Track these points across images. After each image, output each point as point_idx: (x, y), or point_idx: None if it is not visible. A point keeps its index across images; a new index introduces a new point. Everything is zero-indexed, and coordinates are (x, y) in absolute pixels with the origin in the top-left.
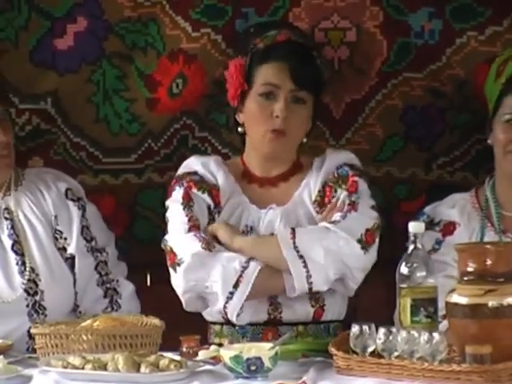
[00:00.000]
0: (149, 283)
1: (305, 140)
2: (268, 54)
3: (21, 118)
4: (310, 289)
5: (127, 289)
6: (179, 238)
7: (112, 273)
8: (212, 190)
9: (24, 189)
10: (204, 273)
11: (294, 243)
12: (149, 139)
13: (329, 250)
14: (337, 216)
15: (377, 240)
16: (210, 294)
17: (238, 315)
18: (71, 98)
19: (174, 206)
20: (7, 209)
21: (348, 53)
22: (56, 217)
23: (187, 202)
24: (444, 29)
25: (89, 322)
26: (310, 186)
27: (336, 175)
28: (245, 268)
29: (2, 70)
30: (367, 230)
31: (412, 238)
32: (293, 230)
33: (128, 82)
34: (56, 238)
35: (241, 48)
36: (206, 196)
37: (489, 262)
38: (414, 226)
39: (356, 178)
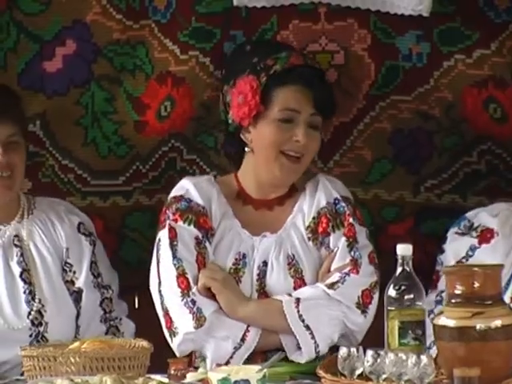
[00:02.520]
0: (137, 305)
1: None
2: (287, 78)
3: None
4: (317, 354)
5: (128, 328)
6: (173, 304)
7: (115, 311)
8: (199, 218)
9: (35, 218)
10: (198, 347)
11: (299, 312)
12: (137, 162)
13: (333, 318)
14: (336, 277)
15: (375, 297)
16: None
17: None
18: (59, 120)
19: (163, 247)
20: (17, 236)
21: (336, 76)
22: (67, 249)
23: (173, 241)
24: (432, 52)
25: (77, 344)
26: (303, 212)
27: (333, 210)
28: (237, 349)
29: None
30: (363, 291)
31: (400, 261)
32: (297, 299)
33: (116, 105)
34: (65, 271)
35: (239, 66)
36: (191, 228)
37: (476, 285)
38: (402, 249)
39: (351, 220)
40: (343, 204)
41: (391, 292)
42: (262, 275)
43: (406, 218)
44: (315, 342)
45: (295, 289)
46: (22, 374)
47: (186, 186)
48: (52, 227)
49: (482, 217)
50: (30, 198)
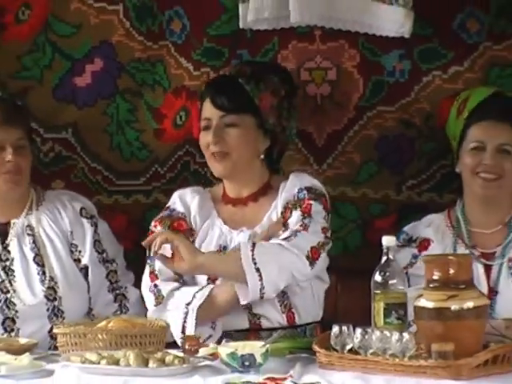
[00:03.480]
0: None
1: (262, 156)
2: (205, 94)
3: (45, 146)
4: (262, 297)
5: (134, 295)
6: (144, 291)
7: (121, 281)
8: (174, 222)
9: (44, 208)
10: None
11: (253, 255)
12: (156, 164)
13: (283, 267)
14: (287, 233)
15: (322, 256)
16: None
17: None
18: (88, 128)
19: None
20: (29, 226)
21: (329, 89)
22: (72, 232)
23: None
24: (412, 68)
25: (104, 323)
26: (277, 208)
27: (296, 198)
28: (186, 314)
29: (28, 104)
30: (312, 248)
31: (385, 251)
32: (253, 244)
33: (138, 115)
34: (72, 251)
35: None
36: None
37: (451, 272)
38: (387, 240)
39: (311, 202)
40: (305, 192)
41: (377, 278)
42: None
43: (390, 214)
44: (262, 284)
45: None
46: (49, 348)
47: (173, 198)
48: (58, 214)
49: (419, 229)
50: (40, 191)
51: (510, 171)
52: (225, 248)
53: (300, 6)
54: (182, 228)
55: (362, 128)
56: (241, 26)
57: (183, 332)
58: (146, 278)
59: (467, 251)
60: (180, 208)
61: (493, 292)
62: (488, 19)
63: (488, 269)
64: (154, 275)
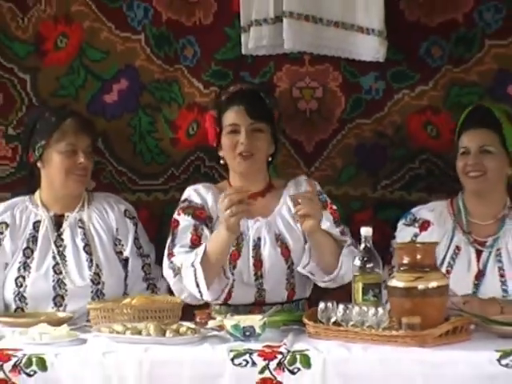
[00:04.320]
0: None
1: (270, 159)
2: (228, 103)
3: None
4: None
5: (163, 285)
6: (164, 265)
7: (152, 273)
8: (196, 210)
9: (93, 207)
10: (184, 288)
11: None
12: (172, 167)
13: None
14: (348, 240)
15: None
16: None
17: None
18: (116, 137)
19: (172, 228)
20: (81, 220)
21: (317, 105)
22: (117, 229)
23: (174, 229)
24: (386, 88)
25: (128, 300)
26: (287, 204)
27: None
28: (194, 271)
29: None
30: None
31: (363, 239)
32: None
33: (157, 126)
34: (115, 244)
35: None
36: (189, 218)
37: (418, 257)
38: (365, 231)
39: (334, 207)
40: (324, 195)
41: (356, 262)
42: (257, 247)
43: (367, 209)
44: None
45: (282, 255)
46: (88, 321)
47: (188, 192)
48: (105, 213)
49: (422, 212)
50: (89, 193)
51: (492, 167)
52: (241, 234)
53: (292, 35)
54: (202, 216)
55: (343, 137)
56: (243, 52)
57: (198, 287)
58: (165, 259)
59: (464, 237)
60: (197, 200)
61: (480, 274)
62: (448, 47)
63: (479, 254)
64: (171, 255)
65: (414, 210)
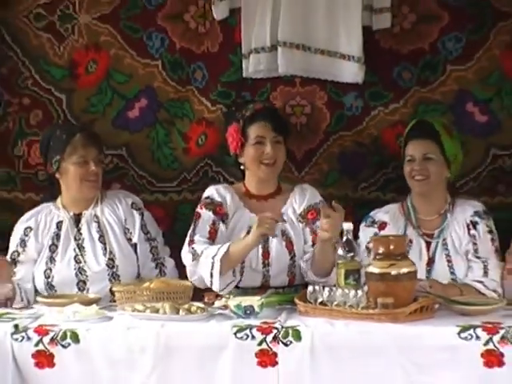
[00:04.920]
0: None
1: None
2: (253, 119)
3: (106, 159)
4: None
5: (170, 264)
6: (184, 249)
7: (160, 253)
8: (217, 207)
9: (106, 203)
10: (197, 272)
11: None
12: (184, 172)
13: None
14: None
15: None
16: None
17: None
18: (137, 147)
19: (194, 219)
20: (96, 215)
21: (306, 120)
22: (126, 220)
23: (196, 220)
24: (364, 105)
25: (147, 284)
26: (293, 206)
27: (317, 206)
28: (212, 264)
29: (96, 130)
30: None
31: (345, 232)
32: None
33: (172, 138)
34: (125, 233)
35: (232, 118)
36: (210, 213)
37: (391, 247)
38: (346, 225)
39: None
40: (324, 203)
41: (340, 252)
42: (265, 241)
43: (348, 207)
44: None
45: (287, 248)
46: (112, 301)
47: (210, 190)
48: (116, 207)
49: (379, 215)
50: (102, 192)
51: (434, 172)
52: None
53: (285, 61)
54: (221, 212)
55: (328, 147)
56: (244, 75)
57: (212, 277)
58: (185, 244)
59: (414, 231)
60: (218, 198)
61: (431, 261)
62: (416, 71)
63: (428, 245)
64: (192, 242)
65: (372, 214)
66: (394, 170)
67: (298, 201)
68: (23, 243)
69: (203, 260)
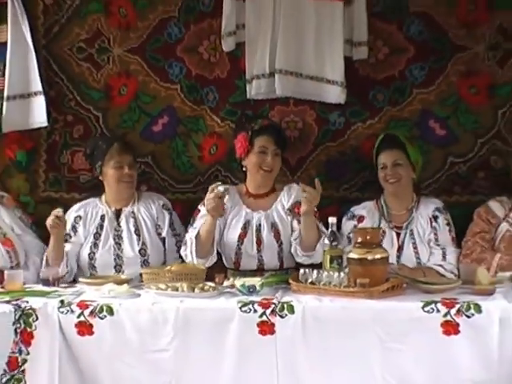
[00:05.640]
0: None
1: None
2: (260, 132)
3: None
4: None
5: None
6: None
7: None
8: None
9: (141, 202)
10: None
11: None
12: (199, 176)
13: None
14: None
15: None
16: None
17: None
18: (161, 156)
19: (194, 214)
20: (133, 212)
21: (298, 134)
22: (157, 218)
23: (195, 215)
24: (346, 121)
25: (169, 267)
26: (282, 202)
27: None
28: (191, 242)
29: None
30: None
31: (330, 226)
32: None
33: (189, 148)
34: (156, 228)
35: (241, 128)
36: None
37: (368, 237)
38: (331, 219)
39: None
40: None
41: (326, 241)
42: (258, 231)
43: (333, 205)
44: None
45: (274, 238)
46: (140, 282)
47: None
48: (149, 207)
49: (358, 210)
50: (139, 193)
51: (404, 175)
52: (248, 222)
53: (281, 85)
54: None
55: (316, 156)
56: (247, 97)
57: (191, 254)
58: (187, 234)
59: (387, 224)
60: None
61: (400, 249)
62: (388, 93)
63: (398, 235)
64: (187, 233)
65: (352, 209)
66: (370, 174)
67: (286, 198)
68: (74, 228)
69: (185, 243)
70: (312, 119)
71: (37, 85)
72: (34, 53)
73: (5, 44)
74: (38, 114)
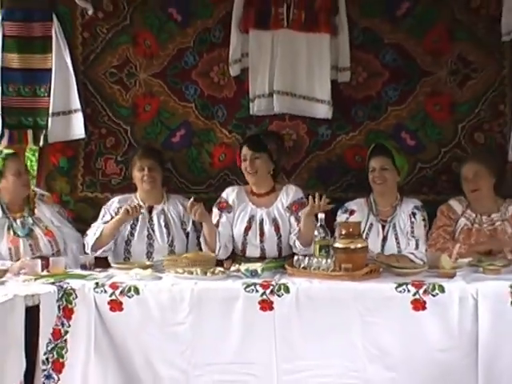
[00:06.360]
0: None
1: (270, 173)
2: (242, 145)
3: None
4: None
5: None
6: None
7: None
8: (221, 203)
9: (170, 202)
10: None
11: None
12: (210, 179)
13: None
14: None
15: None
16: None
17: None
18: (178, 162)
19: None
20: (163, 209)
21: (292, 144)
22: (183, 215)
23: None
24: (332, 133)
25: (186, 255)
26: (282, 201)
27: (299, 201)
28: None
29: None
30: None
31: (319, 220)
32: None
33: (202, 156)
34: (182, 224)
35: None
36: (216, 209)
37: (351, 230)
38: (320, 215)
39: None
40: (304, 199)
41: (316, 233)
42: (261, 225)
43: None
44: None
45: (275, 231)
46: (162, 266)
47: (224, 191)
48: (177, 206)
49: (350, 205)
50: (168, 195)
51: (389, 178)
52: (253, 217)
53: (279, 104)
54: (224, 206)
55: (308, 162)
56: (250, 113)
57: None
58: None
59: (374, 218)
60: (224, 196)
61: (385, 239)
62: (367, 110)
63: (383, 227)
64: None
65: (346, 204)
66: (352, 178)
67: (285, 197)
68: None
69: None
70: (304, 132)
71: (76, 103)
72: (73, 77)
73: (50, 70)
74: (77, 128)
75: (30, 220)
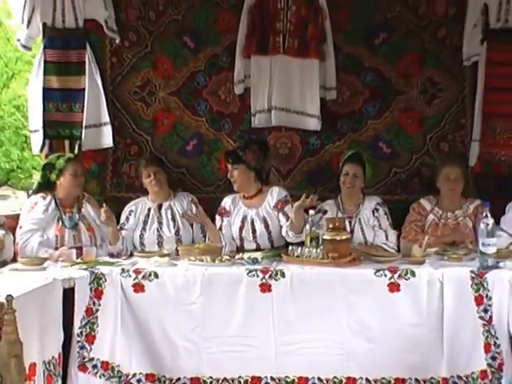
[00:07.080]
0: None
1: (252, 179)
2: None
3: (173, 175)
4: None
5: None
6: None
7: (205, 231)
8: (221, 210)
9: (176, 199)
10: None
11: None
12: (218, 181)
13: None
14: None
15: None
16: None
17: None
18: (192, 167)
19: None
20: (170, 206)
21: (287, 151)
22: (187, 209)
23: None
24: (321, 143)
25: (197, 245)
26: (269, 202)
27: (283, 199)
28: None
29: (167, 158)
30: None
31: (310, 216)
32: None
33: (211, 162)
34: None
35: None
36: (218, 216)
37: (336, 224)
38: (311, 212)
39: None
40: (289, 196)
41: (307, 227)
42: (252, 223)
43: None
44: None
45: (265, 228)
46: (177, 255)
47: (223, 200)
48: (182, 201)
49: (323, 206)
50: (174, 193)
51: (357, 185)
52: (245, 217)
53: (276, 118)
54: (223, 212)
55: (301, 167)
56: (252, 126)
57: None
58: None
59: (341, 215)
60: (223, 204)
61: (352, 232)
62: (350, 124)
63: (350, 222)
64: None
65: (319, 206)
66: (337, 181)
67: (271, 198)
68: (127, 219)
69: None
70: (297, 141)
71: (105, 118)
72: (103, 95)
73: (83, 89)
74: (107, 138)
75: (76, 216)
